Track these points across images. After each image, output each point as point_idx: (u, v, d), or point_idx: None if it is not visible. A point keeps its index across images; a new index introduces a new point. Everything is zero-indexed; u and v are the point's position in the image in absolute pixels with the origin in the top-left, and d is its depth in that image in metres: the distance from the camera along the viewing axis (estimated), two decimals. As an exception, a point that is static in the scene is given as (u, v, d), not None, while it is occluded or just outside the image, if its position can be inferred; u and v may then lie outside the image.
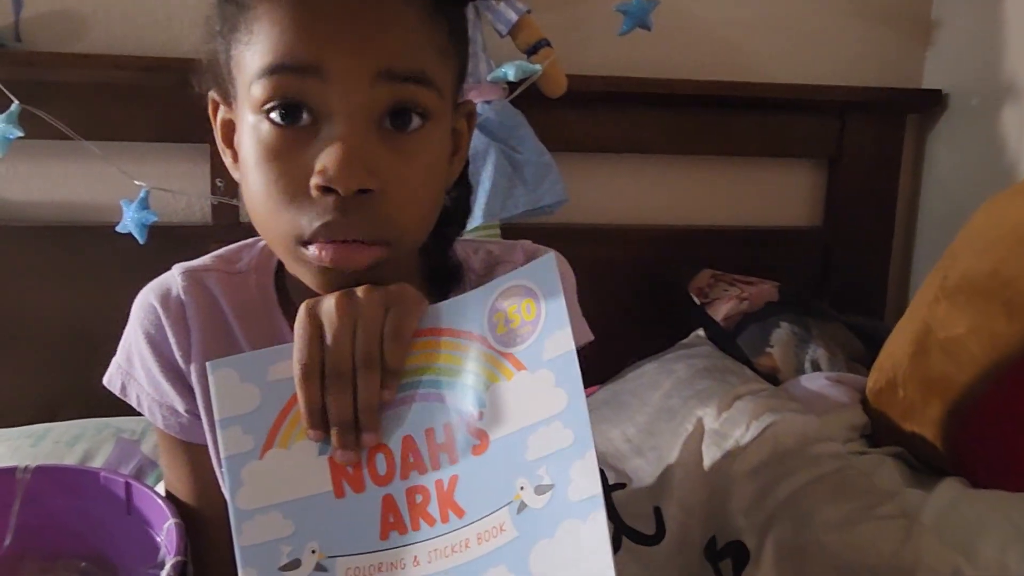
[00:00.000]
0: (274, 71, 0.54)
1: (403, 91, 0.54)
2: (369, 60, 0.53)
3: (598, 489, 0.45)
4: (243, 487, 0.50)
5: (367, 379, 0.50)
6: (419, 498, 0.49)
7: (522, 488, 0.47)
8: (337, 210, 0.53)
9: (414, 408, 0.50)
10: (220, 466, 0.50)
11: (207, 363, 0.51)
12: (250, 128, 0.56)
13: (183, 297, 0.67)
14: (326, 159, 0.52)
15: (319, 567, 0.49)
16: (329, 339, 0.51)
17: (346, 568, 0.48)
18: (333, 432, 0.50)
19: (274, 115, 0.54)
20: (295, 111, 0.54)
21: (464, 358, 0.50)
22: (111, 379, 0.71)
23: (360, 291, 0.53)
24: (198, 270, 0.69)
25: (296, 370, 0.51)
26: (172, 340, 0.67)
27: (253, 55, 0.55)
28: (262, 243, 0.71)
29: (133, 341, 0.69)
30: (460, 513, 0.49)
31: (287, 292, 0.68)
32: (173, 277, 0.68)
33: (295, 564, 0.49)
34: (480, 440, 0.49)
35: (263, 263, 0.69)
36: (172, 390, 0.68)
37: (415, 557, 0.48)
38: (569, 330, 0.48)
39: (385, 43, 0.54)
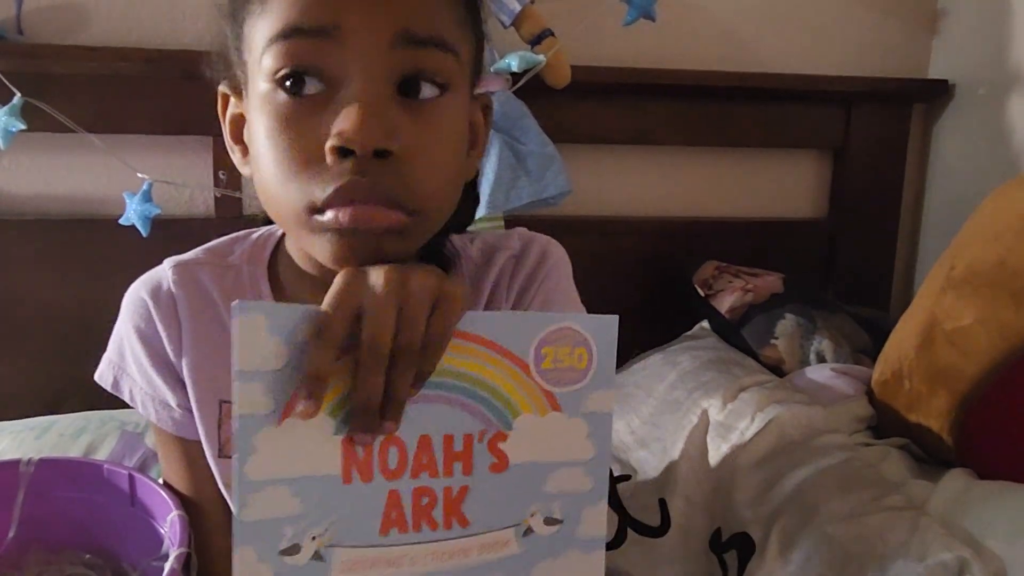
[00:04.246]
0: (287, 35, 0.52)
1: (422, 55, 0.53)
2: (387, 21, 0.51)
3: (604, 531, 0.50)
4: (255, 455, 0.44)
5: (404, 369, 0.44)
6: (425, 500, 0.48)
7: (532, 515, 0.49)
8: (355, 172, 0.51)
9: (437, 409, 0.47)
10: (233, 426, 0.44)
11: (232, 304, 0.43)
12: (261, 100, 0.54)
13: (174, 291, 0.66)
14: (343, 120, 0.50)
15: (317, 555, 0.46)
16: (372, 310, 0.44)
17: (343, 560, 0.47)
18: (355, 413, 0.44)
19: (288, 83, 0.52)
20: (309, 80, 0.52)
21: (501, 376, 0.48)
22: (102, 375, 0.71)
23: (415, 273, 0.46)
24: (189, 263, 0.68)
25: (318, 329, 0.43)
26: (163, 334, 0.66)
27: (265, 24, 0.53)
28: (255, 235, 0.70)
29: (124, 335, 0.69)
30: (464, 523, 0.48)
31: (281, 285, 0.67)
32: (164, 271, 0.68)
33: (295, 549, 0.46)
34: (499, 460, 0.49)
35: (256, 255, 0.68)
36: (164, 385, 0.68)
37: (412, 557, 0.48)
38: (613, 393, 0.49)
39: (404, 5, 0.52)
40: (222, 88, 0.62)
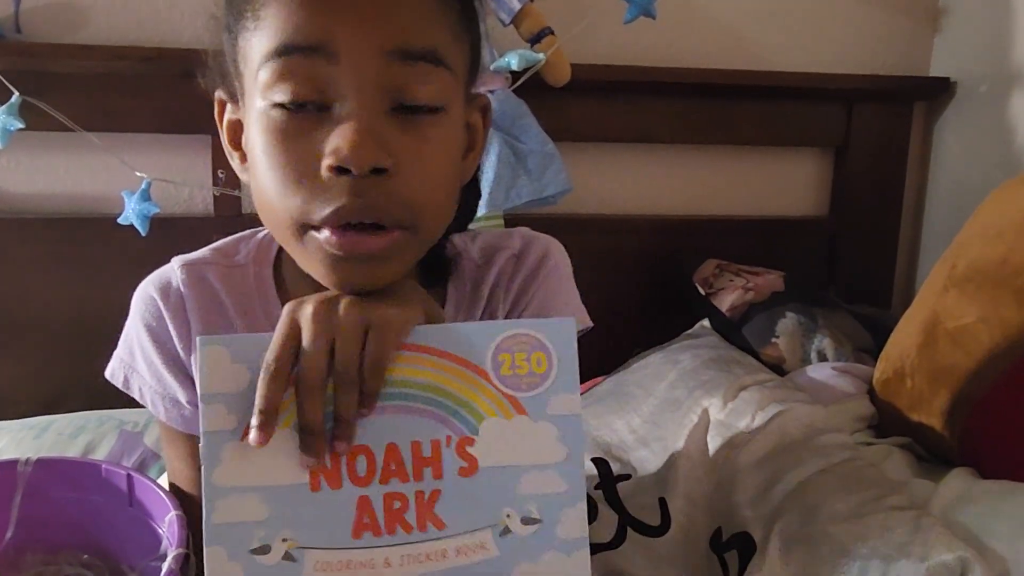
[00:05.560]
0: (282, 52, 0.52)
1: (416, 71, 0.53)
2: (381, 37, 0.52)
3: (586, 533, 0.51)
4: (221, 465, 0.48)
5: (345, 395, 0.49)
6: (397, 504, 0.49)
7: (508, 516, 0.50)
8: (351, 193, 0.52)
9: (402, 419, 0.50)
10: (200, 441, 0.49)
11: (197, 337, 0.49)
12: (258, 115, 0.55)
13: (183, 290, 0.67)
14: (338, 139, 0.51)
15: (288, 556, 0.48)
16: (304, 345, 0.49)
17: (315, 561, 0.49)
18: (301, 438, 0.49)
19: (283, 101, 0.53)
20: (305, 97, 0.53)
21: (462, 384, 0.50)
22: (113, 372, 0.72)
23: (342, 305, 0.51)
24: (197, 263, 0.68)
25: (263, 366, 0.48)
26: (173, 332, 0.67)
27: (260, 40, 0.54)
28: (260, 235, 0.71)
29: (135, 334, 0.69)
30: (440, 525, 0.50)
31: (286, 285, 0.68)
32: (173, 270, 0.68)
33: (265, 549, 0.48)
34: (468, 463, 0.50)
35: (262, 255, 0.69)
36: (175, 382, 0.68)
37: (386, 559, 0.49)
38: (578, 396, 0.50)
39: (397, 20, 0.53)
40: (219, 94, 0.63)
